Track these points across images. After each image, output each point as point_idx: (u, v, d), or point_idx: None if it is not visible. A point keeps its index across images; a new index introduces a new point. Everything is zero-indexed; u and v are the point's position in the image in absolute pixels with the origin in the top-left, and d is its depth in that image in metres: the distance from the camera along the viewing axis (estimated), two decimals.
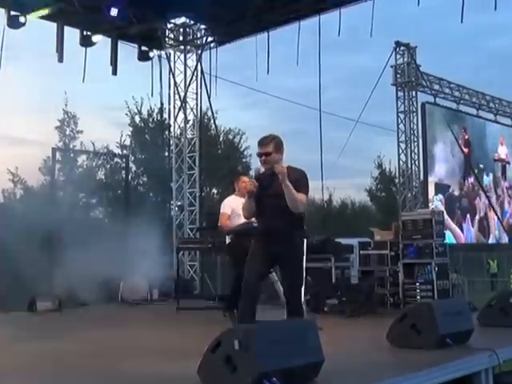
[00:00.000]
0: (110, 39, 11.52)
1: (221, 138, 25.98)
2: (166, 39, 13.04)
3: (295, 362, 3.63)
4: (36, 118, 31.10)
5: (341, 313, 8.07)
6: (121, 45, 11.85)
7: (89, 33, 11.04)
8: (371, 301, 8.40)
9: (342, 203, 34.55)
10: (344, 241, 9.77)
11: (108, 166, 23.39)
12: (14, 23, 9.92)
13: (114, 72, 11.78)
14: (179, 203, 13.64)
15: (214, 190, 24.52)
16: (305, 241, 5.56)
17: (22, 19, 9.94)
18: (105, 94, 29.82)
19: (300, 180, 4.90)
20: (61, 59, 10.85)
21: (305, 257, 5.45)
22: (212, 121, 21.18)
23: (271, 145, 4.96)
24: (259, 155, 5.00)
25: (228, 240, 7.71)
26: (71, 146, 23.49)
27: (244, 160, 26.64)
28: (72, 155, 22.41)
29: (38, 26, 10.44)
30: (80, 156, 23.26)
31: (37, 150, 28.06)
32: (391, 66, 17.52)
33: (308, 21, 11.64)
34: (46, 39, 11.10)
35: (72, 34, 11.01)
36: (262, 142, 4.98)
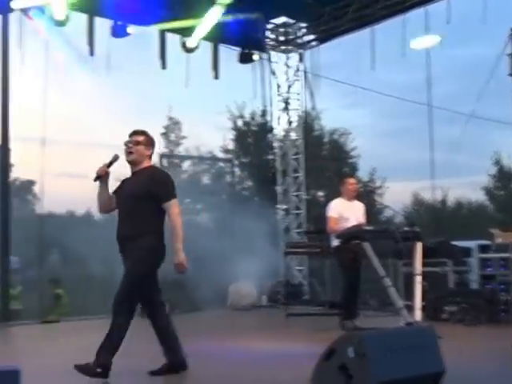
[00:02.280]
0: (211, 43, 11.73)
1: (326, 139, 25.83)
2: (267, 40, 13.12)
3: (413, 371, 3.53)
4: (142, 125, 32.11)
5: (460, 321, 7.79)
6: (222, 48, 12.03)
7: (189, 38, 11.27)
8: (494, 308, 8.03)
9: (456, 203, 33.46)
10: (460, 243, 9.44)
11: (212, 171, 23.80)
12: (117, 33, 10.29)
13: (216, 76, 11.98)
14: (285, 207, 13.67)
15: (321, 193, 24.41)
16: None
17: (126, 29, 10.30)
18: (207, 98, 30.31)
19: (155, 183, 4.80)
20: (164, 66, 11.15)
21: None
22: (316, 121, 21.15)
23: (143, 137, 4.94)
24: (127, 143, 4.93)
25: (336, 244, 7.65)
26: (176, 152, 24.12)
27: (350, 161, 26.32)
28: (177, 161, 23.01)
29: (140, 35, 10.77)
30: (185, 161, 23.84)
31: None
32: (507, 55, 16.77)
33: (413, 13, 11.36)
34: (148, 47, 11.45)
35: (174, 41, 11.29)
36: (134, 132, 4.97)
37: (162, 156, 13.49)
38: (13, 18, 9.45)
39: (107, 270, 11.37)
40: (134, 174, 4.96)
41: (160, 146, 23.51)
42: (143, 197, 4.72)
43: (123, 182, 5.05)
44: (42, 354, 5.87)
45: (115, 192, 4.99)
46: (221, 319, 9.90)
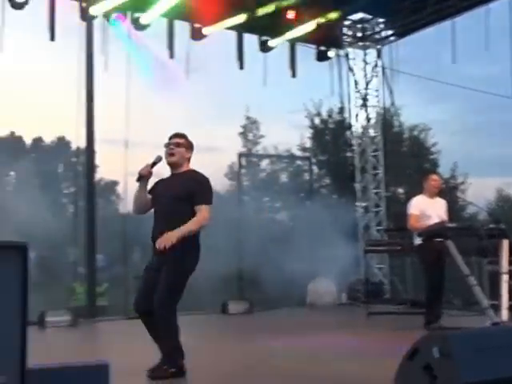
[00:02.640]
0: (288, 42, 11.73)
1: (405, 135, 25.36)
2: (344, 37, 13.01)
3: (502, 373, 3.41)
4: (220, 125, 32.58)
5: None
6: (299, 47, 12.01)
7: (267, 38, 11.31)
8: None
9: None
10: None
11: (290, 169, 23.82)
12: (196, 35, 10.43)
13: (293, 75, 11.97)
14: (364, 204, 13.52)
15: (400, 190, 24.00)
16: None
17: (204, 31, 10.42)
18: (284, 97, 30.43)
19: (198, 187, 4.85)
20: (241, 66, 11.23)
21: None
22: (395, 117, 20.81)
23: (183, 139, 4.98)
24: (168, 144, 4.95)
25: (418, 241, 7.50)
26: (254, 151, 24.27)
27: (431, 157, 25.75)
28: (255, 160, 23.16)
29: (218, 36, 10.88)
30: (263, 160, 23.96)
31: (222, 157, 29.42)
32: None
33: (496, 3, 10.99)
34: (225, 48, 11.56)
35: (251, 41, 11.36)
36: (175, 134, 4.99)
37: (240, 155, 13.59)
38: (96, 24, 9.74)
39: None
40: (173, 175, 5.00)
41: (238, 146, 23.73)
42: (184, 198, 4.77)
43: (158, 183, 5.06)
44: (128, 349, 6.03)
45: (150, 192, 5.01)
46: (300, 317, 9.89)
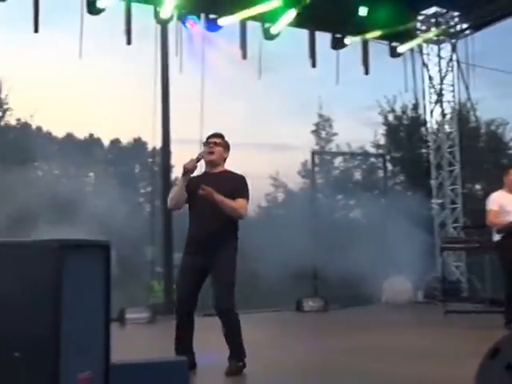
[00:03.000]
0: (359, 39, 11.62)
1: (482, 130, 24.69)
2: (418, 32, 12.78)
3: None
4: (293, 123, 32.59)
5: None
6: (371, 43, 11.87)
7: (340, 35, 11.23)
8: None
9: None
10: None
11: (364, 167, 23.59)
12: (267, 35, 10.46)
13: (366, 72, 11.84)
14: (440, 201, 13.24)
15: (478, 186, 23.38)
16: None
17: (273, 30, 10.44)
18: (357, 94, 30.11)
19: (240, 184, 4.96)
20: (314, 64, 11.19)
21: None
22: (471, 112, 20.29)
23: (222, 139, 5.05)
24: (207, 143, 5.02)
25: (497, 238, 7.30)
26: (327, 149, 24.17)
27: (510, 152, 24.97)
28: (329, 157, 23.06)
29: (290, 34, 10.88)
30: (336, 158, 23.83)
31: (295, 155, 29.39)
32: None
33: None
34: (297, 46, 11.56)
35: (323, 39, 11.31)
36: (214, 134, 5.07)
37: (313, 153, 13.54)
38: (170, 26, 9.92)
39: (266, 266, 11.62)
40: (210, 174, 5.01)
41: (312, 143, 23.69)
42: (230, 196, 4.82)
43: (192, 180, 4.99)
44: (204, 346, 6.12)
45: (187, 190, 4.97)
46: (376, 315, 9.79)
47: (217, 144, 5.05)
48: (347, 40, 11.23)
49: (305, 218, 12.52)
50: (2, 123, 21.95)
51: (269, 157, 34.18)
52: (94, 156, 29.17)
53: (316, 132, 24.60)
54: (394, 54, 12.14)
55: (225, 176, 5.00)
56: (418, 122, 19.55)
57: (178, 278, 4.97)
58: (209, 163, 5.05)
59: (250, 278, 15.54)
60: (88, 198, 27.22)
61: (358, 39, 11.53)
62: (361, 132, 35.85)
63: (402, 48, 12.10)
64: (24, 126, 22.68)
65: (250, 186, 5.02)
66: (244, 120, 31.57)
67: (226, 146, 5.14)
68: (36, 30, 8.78)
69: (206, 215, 4.83)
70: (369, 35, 11.47)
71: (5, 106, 21.80)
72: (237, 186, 4.93)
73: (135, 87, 31.91)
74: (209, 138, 5.10)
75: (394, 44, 12.07)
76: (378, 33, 11.36)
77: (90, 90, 34.12)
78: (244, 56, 10.35)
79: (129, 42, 9.39)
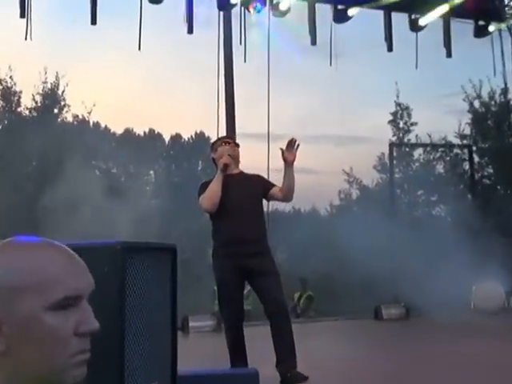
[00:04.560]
0: (441, 19, 11.40)
1: None
2: (506, 8, 12.45)
3: None
4: (369, 112, 32.33)
5: None
6: (454, 22, 11.63)
7: (418, 16, 11.06)
8: None
9: None
10: None
11: (447, 159, 23.14)
12: (340, 18, 10.40)
13: (449, 54, 11.62)
14: None
15: None
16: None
17: (348, 12, 10.37)
18: (438, 79, 29.55)
19: (265, 179, 5.31)
20: (390, 48, 11.06)
21: None
22: None
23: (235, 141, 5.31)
24: (227, 142, 5.17)
25: None
26: (406, 140, 23.82)
27: None
28: (407, 150, 22.73)
29: (363, 17, 10.80)
30: (416, 150, 23.46)
31: (370, 148, 29.14)
32: None
33: None
34: (372, 29, 11.45)
35: (400, 20, 11.16)
36: (229, 136, 5.83)
37: (391, 145, 13.43)
38: (234, 13, 9.97)
39: (340, 269, 11.62)
40: (235, 175, 5.04)
41: (388, 135, 23.39)
42: (261, 197, 5.07)
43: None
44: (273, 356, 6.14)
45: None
46: (464, 323, 9.60)
47: (235, 144, 5.30)
48: (426, 20, 11.05)
49: (382, 216, 12.41)
50: (59, 120, 22.55)
51: (341, 150, 34.04)
52: (154, 153, 29.64)
53: (393, 122, 24.26)
54: (479, 33, 11.85)
55: (248, 176, 5.22)
56: (507, 109, 19.07)
57: (221, 284, 4.95)
58: (234, 160, 5.16)
59: (321, 282, 15.52)
60: (148, 199, 27.73)
61: (438, 19, 11.32)
62: (443, 121, 35.15)
63: (489, 28, 11.81)
64: (82, 123, 23.24)
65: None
66: (314, 111, 31.52)
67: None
68: (93, 22, 8.99)
69: (244, 213, 4.92)
70: (450, 13, 11.25)
71: (62, 103, 22.39)
72: (264, 182, 5.22)
73: (197, 79, 32.29)
74: (224, 138, 5.53)
75: (480, 23, 11.80)
76: (460, 10, 11.14)
77: (149, 83, 34.72)
78: (313, 42, 10.31)
79: (190, 30, 9.50)
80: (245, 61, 9.93)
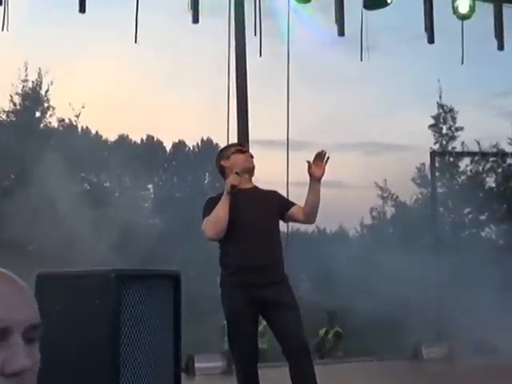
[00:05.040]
0: (492, 5, 11.44)
1: None
2: None
3: None
4: (406, 116, 32.28)
5: None
6: (507, 10, 11.67)
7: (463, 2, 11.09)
8: None
9: None
10: None
11: (499, 170, 23.07)
12: (373, 4, 10.44)
13: (500, 47, 11.64)
14: None
15: None
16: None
17: None
18: (489, 76, 29.60)
19: (283, 196, 5.39)
20: (431, 40, 11.09)
21: None
22: None
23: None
24: (243, 151, 5.23)
25: None
26: (450, 148, 23.79)
27: None
28: (452, 159, 22.69)
29: (400, 4, 10.84)
30: (462, 160, 23.39)
31: (408, 157, 29.11)
32: None
33: None
34: (411, 18, 11.50)
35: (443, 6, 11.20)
36: (243, 145, 5.49)
37: (432, 154, 13.41)
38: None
39: (372, 301, 11.58)
40: (249, 191, 5.05)
41: (429, 142, 23.35)
42: (277, 216, 5.09)
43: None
44: None
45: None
46: None
47: (251, 155, 5.35)
48: (465, 6, 11.06)
49: (422, 238, 12.39)
50: (42, 125, 22.58)
51: (373, 160, 34.02)
52: (153, 163, 29.72)
53: (435, 127, 24.26)
54: None
55: (263, 192, 5.24)
56: None
57: (232, 318, 4.93)
58: (247, 173, 5.15)
59: (351, 316, 15.47)
60: (144, 219, 27.73)
61: (488, 5, 11.35)
62: (494, 125, 35.02)
63: None
64: (69, 128, 23.27)
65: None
66: (341, 113, 31.53)
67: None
68: (82, 10, 9.06)
69: (257, 236, 4.91)
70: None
71: (45, 105, 22.34)
72: (281, 199, 5.27)
73: (203, 76, 32.44)
74: (238, 145, 5.51)
75: None
76: None
77: (148, 81, 34.87)
78: (341, 32, 10.36)
79: (195, 20, 9.56)
80: (260, 55, 9.98)
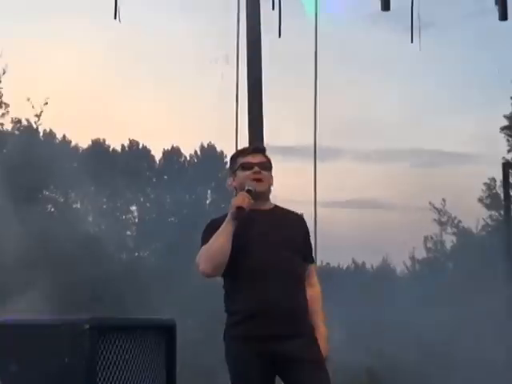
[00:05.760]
0: None
1: None
2: None
3: None
4: (470, 116, 32.21)
5: None
6: None
7: None
8: None
9: None
10: None
11: None
12: None
13: None
14: None
15: None
16: None
17: None
18: None
19: (308, 232, 5.17)
20: (503, 15, 11.14)
21: None
22: None
23: (267, 158, 5.15)
24: (250, 165, 5.02)
25: None
26: None
27: None
28: None
29: None
30: None
31: (474, 169, 29.06)
32: None
33: None
34: None
35: None
36: (257, 149, 5.20)
37: (506, 165, 13.40)
38: None
39: (415, 357, 11.58)
40: (262, 213, 4.99)
41: (502, 149, 23.32)
42: (301, 250, 5.00)
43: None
44: None
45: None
46: None
47: (265, 166, 5.15)
48: None
49: (493, 276, 12.36)
50: None
51: (428, 173, 33.84)
52: (138, 177, 29.60)
53: (509, 129, 24.29)
54: None
55: (286, 214, 5.18)
56: None
57: (239, 380, 4.94)
58: (256, 196, 5.11)
59: (397, 375, 15.45)
60: (129, 250, 27.56)
61: None
62: None
63: None
64: (27, 132, 23.27)
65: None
66: (383, 112, 31.41)
67: (272, 167, 5.28)
68: None
69: (275, 273, 4.87)
70: None
71: None
72: (307, 238, 5.18)
73: (204, 64, 32.45)
74: (247, 153, 5.24)
75: None
76: None
77: (131, 70, 34.83)
78: (385, 6, 10.39)
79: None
80: (279, 35, 10.00)
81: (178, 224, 29.24)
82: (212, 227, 4.92)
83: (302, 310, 4.97)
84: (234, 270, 4.88)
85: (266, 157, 5.19)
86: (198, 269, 4.88)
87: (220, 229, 4.86)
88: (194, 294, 20.63)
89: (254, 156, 5.13)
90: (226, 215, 4.95)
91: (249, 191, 4.90)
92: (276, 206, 5.19)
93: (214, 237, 4.82)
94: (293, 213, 5.26)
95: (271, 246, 4.92)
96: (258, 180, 5.00)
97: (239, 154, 5.25)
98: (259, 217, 4.99)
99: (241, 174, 5.05)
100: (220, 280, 5.06)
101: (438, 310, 11.28)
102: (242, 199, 4.84)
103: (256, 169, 5.03)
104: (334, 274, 22.08)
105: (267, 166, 5.13)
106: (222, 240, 4.85)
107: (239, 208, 4.80)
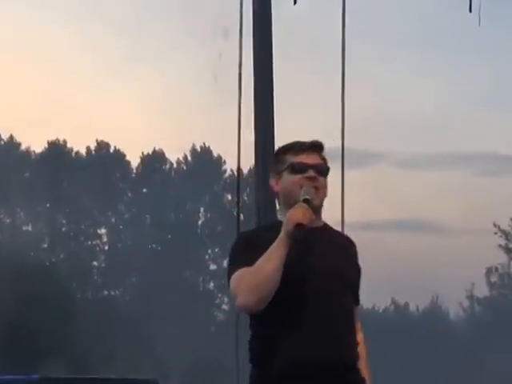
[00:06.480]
0: None
1: None
2: None
3: None
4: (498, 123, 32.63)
5: None
6: None
7: None
8: None
9: None
10: None
11: None
12: None
13: None
14: None
15: None
16: None
17: None
18: None
19: (360, 271, 4.94)
20: None
21: None
22: None
23: (324, 159, 4.80)
24: (303, 168, 4.67)
25: None
26: None
27: None
28: None
29: None
30: None
31: None
32: None
33: None
34: None
35: None
36: (315, 145, 4.77)
37: None
38: None
39: None
40: (317, 232, 4.90)
41: None
42: (354, 285, 4.85)
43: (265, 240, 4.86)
44: None
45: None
46: None
47: (320, 169, 4.97)
48: None
49: None
50: None
51: (491, 185, 34.01)
52: (108, 190, 29.60)
53: None
54: None
55: (339, 237, 5.04)
56: None
57: None
58: (318, 209, 5.05)
59: None
60: (97, 287, 27.47)
61: None
62: None
63: None
64: None
65: None
66: (431, 107, 31.66)
67: (328, 172, 5.10)
68: None
69: (335, 314, 4.81)
70: None
71: None
72: (359, 268, 4.98)
73: (196, 40, 32.71)
74: (300, 150, 4.96)
75: None
76: None
77: (99, 53, 35.15)
78: None
79: None
80: (294, 2, 10.05)
81: (161, 252, 29.42)
82: (247, 243, 4.65)
83: (354, 358, 4.88)
84: (279, 306, 4.75)
85: (324, 157, 5.00)
86: (235, 300, 4.72)
87: (270, 249, 4.52)
88: (178, 343, 20.83)
89: (309, 155, 4.76)
90: (260, 228, 4.92)
91: (306, 201, 4.65)
92: (326, 224, 5.02)
93: (261, 259, 4.55)
94: (343, 235, 5.13)
95: (327, 273, 4.79)
96: (316, 188, 4.66)
97: (289, 149, 4.96)
98: (313, 236, 4.89)
99: (289, 177, 4.71)
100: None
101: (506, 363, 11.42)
102: (302, 213, 4.54)
103: (311, 173, 4.73)
104: (367, 319, 22.35)
105: (324, 170, 4.77)
106: (273, 265, 4.49)
107: (299, 225, 4.48)
